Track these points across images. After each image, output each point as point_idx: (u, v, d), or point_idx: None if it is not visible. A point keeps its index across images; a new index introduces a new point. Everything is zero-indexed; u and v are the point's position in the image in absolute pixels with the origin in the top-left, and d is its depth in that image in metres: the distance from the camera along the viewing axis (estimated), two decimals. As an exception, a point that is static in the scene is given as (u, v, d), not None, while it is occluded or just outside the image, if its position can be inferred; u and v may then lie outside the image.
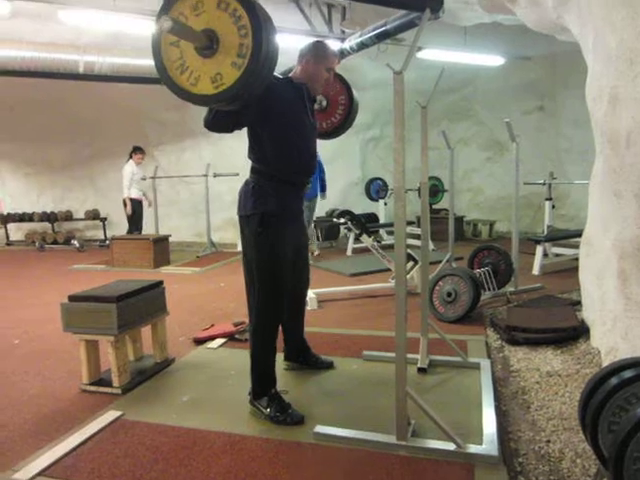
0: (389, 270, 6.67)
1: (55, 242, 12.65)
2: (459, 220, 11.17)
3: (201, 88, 2.88)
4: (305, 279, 4.05)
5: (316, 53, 3.66)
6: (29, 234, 13.07)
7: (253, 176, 3.52)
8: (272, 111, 3.37)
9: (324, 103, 4.28)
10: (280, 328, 3.70)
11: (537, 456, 2.90)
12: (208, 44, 2.83)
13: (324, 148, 10.56)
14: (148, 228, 10.90)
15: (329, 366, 4.23)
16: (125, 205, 10.51)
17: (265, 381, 3.51)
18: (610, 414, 2.54)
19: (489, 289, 6.11)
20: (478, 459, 2.83)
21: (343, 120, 4.42)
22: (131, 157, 10.59)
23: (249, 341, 3.60)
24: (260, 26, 2.74)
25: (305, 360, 4.20)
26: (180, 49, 2.92)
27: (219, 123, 3.29)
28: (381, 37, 6.97)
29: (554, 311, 5.31)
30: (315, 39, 4.13)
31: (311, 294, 5.88)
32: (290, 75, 3.71)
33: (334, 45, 7.72)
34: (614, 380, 2.60)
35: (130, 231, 10.60)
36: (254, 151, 3.51)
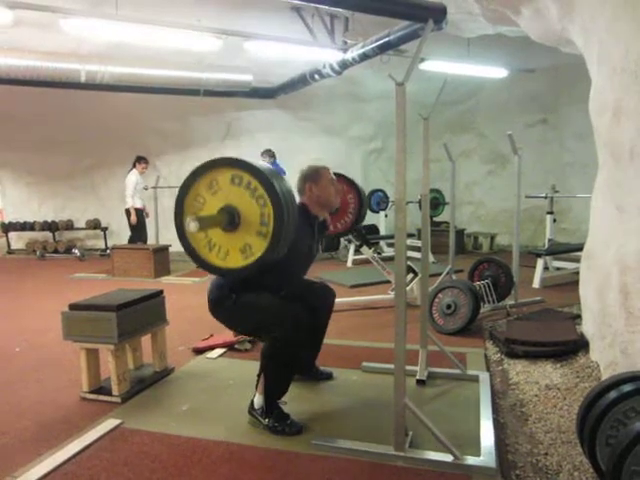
0: (389, 282, 6.66)
1: (56, 251, 12.68)
2: (460, 233, 11.17)
3: (232, 261, 2.98)
4: (324, 299, 4.10)
5: (311, 177, 3.73)
6: (30, 243, 13.09)
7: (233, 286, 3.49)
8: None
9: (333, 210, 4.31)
10: None
11: (534, 469, 2.89)
12: (230, 220, 2.91)
13: (326, 159, 10.61)
14: (149, 238, 10.89)
15: (329, 377, 4.22)
16: (129, 215, 10.50)
17: (279, 397, 3.47)
18: (608, 428, 2.55)
19: (489, 302, 6.11)
20: (476, 471, 2.83)
21: (355, 217, 4.58)
22: (135, 166, 10.59)
23: (263, 359, 3.45)
24: (277, 195, 2.83)
25: (306, 372, 4.18)
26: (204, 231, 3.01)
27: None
28: (383, 48, 6.99)
29: (554, 325, 5.31)
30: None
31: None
32: (303, 202, 3.75)
33: (336, 55, 7.77)
34: (613, 394, 2.60)
35: (132, 241, 10.58)
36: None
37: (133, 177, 10.49)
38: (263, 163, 3.03)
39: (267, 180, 2.84)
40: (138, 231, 10.66)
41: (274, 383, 3.43)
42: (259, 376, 3.48)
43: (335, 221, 4.46)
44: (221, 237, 2.98)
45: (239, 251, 2.93)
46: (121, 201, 10.75)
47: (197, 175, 3.04)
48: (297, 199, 3.46)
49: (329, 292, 4.13)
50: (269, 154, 9.71)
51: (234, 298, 3.42)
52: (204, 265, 3.09)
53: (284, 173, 9.42)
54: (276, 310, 3.37)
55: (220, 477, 2.85)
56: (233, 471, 2.90)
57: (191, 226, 2.73)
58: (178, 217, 3.06)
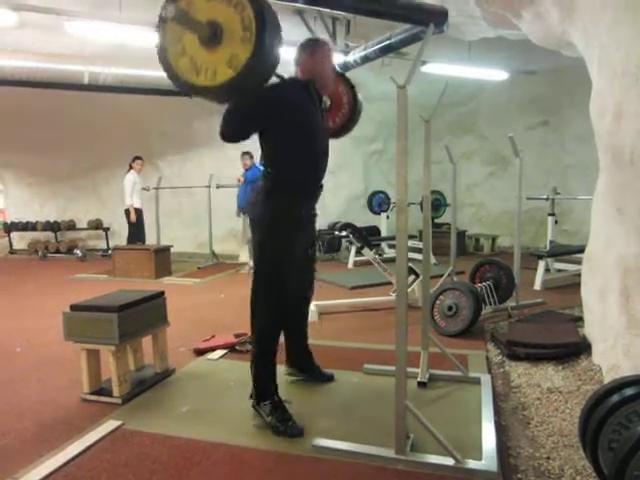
0: (390, 283, 6.66)
1: (58, 251, 12.70)
2: (461, 234, 11.16)
3: (222, 77, 2.87)
4: (309, 283, 4.02)
5: (309, 47, 3.63)
6: (32, 243, 13.12)
7: (264, 181, 3.51)
8: (284, 112, 3.37)
9: (328, 103, 4.21)
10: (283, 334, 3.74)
11: (536, 472, 2.88)
12: (211, 32, 2.84)
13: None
14: (150, 238, 10.90)
15: (330, 379, 4.22)
16: (128, 214, 10.53)
17: (266, 385, 3.51)
18: (611, 431, 2.54)
19: (490, 304, 6.10)
20: (477, 475, 2.82)
21: (347, 120, 4.40)
22: (131, 167, 10.64)
23: (252, 345, 3.59)
24: None
25: (307, 369, 4.19)
26: (188, 55, 2.94)
27: (235, 130, 3.34)
28: (385, 51, 6.99)
29: (555, 327, 5.30)
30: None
31: (312, 306, 5.85)
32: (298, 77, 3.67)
33: (338, 58, 7.77)
34: (615, 397, 2.60)
35: (131, 240, 10.59)
36: (266, 156, 3.52)
37: (131, 177, 10.58)
38: None
39: None
40: (137, 231, 10.68)
41: (260, 368, 3.52)
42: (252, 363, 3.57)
43: (330, 118, 4.35)
44: (206, 56, 2.89)
45: (226, 65, 2.84)
46: (122, 202, 10.76)
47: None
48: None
49: (310, 272, 4.03)
50: (249, 155, 9.70)
51: (266, 237, 3.45)
52: (196, 90, 2.99)
53: None
54: (273, 292, 3.46)
55: (220, 479, 2.85)
56: (233, 473, 2.90)
57: (168, 9, 2.72)
58: (161, 52, 2.98)
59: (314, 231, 3.98)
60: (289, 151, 3.44)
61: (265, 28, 2.75)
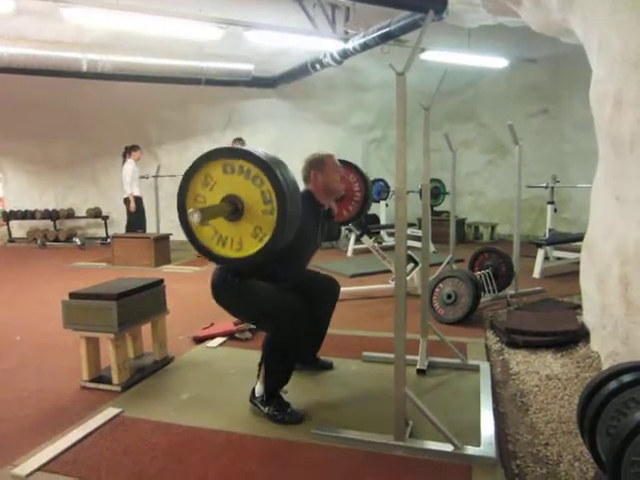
0: (389, 271, 6.67)
1: (57, 240, 12.68)
2: (460, 222, 11.16)
3: (248, 248, 2.93)
4: (328, 290, 4.08)
5: (316, 166, 3.76)
6: (31, 231, 13.09)
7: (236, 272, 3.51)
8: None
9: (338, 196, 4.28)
10: None
11: (535, 459, 2.90)
12: (234, 208, 2.89)
13: (327, 148, 10.56)
14: (149, 227, 10.88)
15: (329, 367, 4.23)
16: (128, 203, 10.52)
17: (277, 388, 3.48)
18: (608, 418, 2.55)
19: (489, 292, 6.11)
20: (476, 461, 2.83)
21: (362, 205, 4.58)
22: (127, 156, 10.61)
23: (264, 349, 3.48)
24: (269, 167, 2.82)
25: (305, 360, 4.18)
26: (212, 226, 2.98)
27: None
28: (384, 38, 6.98)
29: (554, 314, 5.31)
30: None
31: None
32: (309, 189, 3.77)
33: (337, 45, 7.75)
34: (613, 384, 2.60)
35: (131, 229, 10.58)
36: None
37: (129, 166, 10.54)
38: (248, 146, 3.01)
39: (257, 158, 2.83)
40: (138, 219, 10.67)
41: (274, 373, 3.44)
42: (260, 365, 3.49)
43: (341, 208, 4.44)
44: (230, 229, 2.96)
45: (251, 236, 2.91)
46: (121, 191, 10.74)
47: (189, 176, 3.00)
48: (302, 187, 3.52)
49: (334, 284, 4.11)
50: (240, 142, 9.64)
51: (237, 282, 3.43)
52: (223, 261, 3.09)
53: None
54: (277, 300, 3.37)
55: (219, 466, 2.86)
56: (232, 460, 2.91)
57: (194, 217, 2.70)
58: (183, 222, 3.03)
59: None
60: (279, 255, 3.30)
61: (286, 202, 2.81)
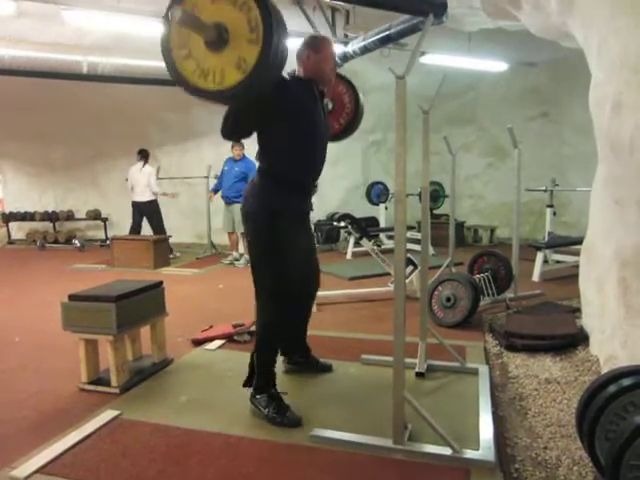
0: (388, 274, 6.66)
1: (56, 241, 12.70)
2: (460, 225, 11.15)
3: (230, 80, 2.84)
4: (313, 280, 3.99)
5: (312, 45, 3.62)
6: (30, 233, 13.11)
7: (260, 176, 3.52)
8: (286, 110, 3.35)
9: (330, 105, 4.20)
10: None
11: (534, 462, 2.90)
12: (219, 35, 2.81)
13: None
14: (148, 228, 10.86)
15: (328, 369, 4.23)
16: (153, 205, 10.45)
17: (267, 380, 3.52)
18: (607, 422, 2.54)
19: (488, 295, 6.11)
20: (474, 464, 2.83)
21: (350, 121, 4.40)
22: (147, 160, 10.51)
23: (256, 336, 3.59)
24: None
25: (304, 362, 4.19)
26: (194, 59, 2.91)
27: (236, 128, 3.33)
28: (384, 41, 6.97)
29: (553, 318, 5.31)
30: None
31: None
32: (298, 73, 3.67)
33: (337, 48, 7.74)
34: (612, 388, 2.60)
35: (160, 231, 10.46)
36: (265, 152, 3.51)
37: (149, 169, 10.42)
38: None
39: None
40: (161, 221, 10.62)
41: (263, 363, 3.53)
42: (252, 356, 3.59)
43: (332, 121, 4.35)
44: (212, 59, 2.87)
45: (234, 67, 2.82)
46: (120, 193, 10.69)
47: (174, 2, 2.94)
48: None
49: (317, 274, 4.04)
50: (241, 146, 9.59)
51: (262, 229, 3.44)
52: (204, 94, 2.95)
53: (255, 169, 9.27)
54: (274, 285, 3.44)
55: (217, 469, 2.86)
56: (231, 462, 2.91)
57: (177, 13, 2.71)
58: (167, 56, 2.97)
59: (310, 225, 3.97)
60: (289, 149, 3.43)
61: (272, 29, 2.73)
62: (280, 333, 3.62)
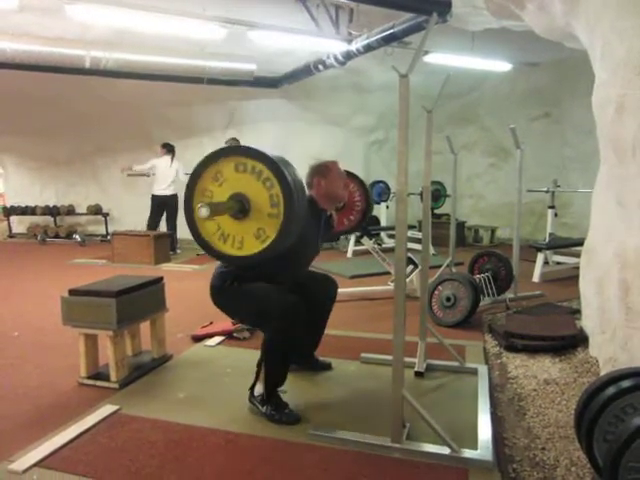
0: (389, 273, 6.67)
1: (57, 236, 12.70)
2: (461, 225, 11.15)
3: (248, 248, 2.97)
4: (326, 290, 4.06)
5: (319, 172, 3.77)
6: (31, 227, 13.12)
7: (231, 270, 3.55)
8: None
9: (340, 204, 4.27)
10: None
11: (532, 463, 2.90)
12: (241, 207, 2.93)
13: (328, 149, 10.56)
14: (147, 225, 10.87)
15: (327, 368, 4.23)
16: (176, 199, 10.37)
17: (275, 385, 3.49)
18: (606, 423, 2.55)
19: (489, 295, 6.11)
20: (472, 464, 2.83)
21: (362, 216, 4.60)
22: (174, 153, 10.48)
23: (264, 349, 3.48)
24: (281, 172, 2.85)
25: (304, 361, 4.18)
26: (216, 221, 3.02)
27: None
28: (388, 40, 6.97)
29: (553, 319, 5.31)
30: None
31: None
32: (311, 195, 3.77)
33: (340, 46, 7.74)
34: (611, 389, 2.60)
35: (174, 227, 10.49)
36: None
37: (178, 163, 10.44)
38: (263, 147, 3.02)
39: (271, 161, 2.87)
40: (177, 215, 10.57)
41: (274, 374, 3.45)
42: (259, 365, 3.50)
43: (342, 217, 4.46)
44: (233, 226, 2.99)
45: (253, 237, 2.94)
46: (121, 188, 10.68)
47: (200, 171, 3.04)
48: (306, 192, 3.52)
49: (331, 283, 4.12)
50: (235, 142, 9.55)
51: (235, 286, 3.46)
52: (221, 257, 3.14)
53: None
54: (276, 301, 3.37)
55: (215, 465, 2.86)
56: (228, 459, 2.91)
57: (202, 211, 2.73)
58: (188, 214, 3.06)
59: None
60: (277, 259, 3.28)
61: (293, 208, 2.84)
62: (295, 341, 3.51)
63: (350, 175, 4.43)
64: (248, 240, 2.96)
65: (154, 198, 10.38)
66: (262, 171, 2.89)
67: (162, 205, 10.38)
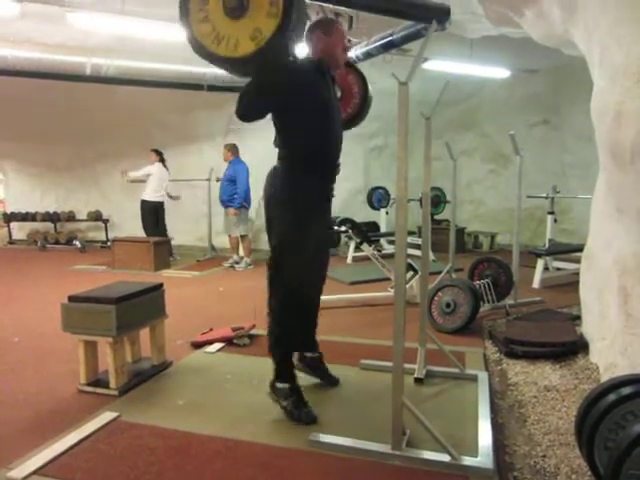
0: (389, 279, 6.66)
1: (57, 242, 12.70)
2: (460, 231, 11.14)
3: (243, 50, 2.85)
4: (323, 274, 3.93)
5: (322, 27, 3.64)
6: (31, 234, 13.11)
7: (281, 164, 3.51)
8: (301, 92, 3.35)
9: (339, 93, 4.13)
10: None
11: (532, 471, 2.89)
12: (238, 2, 2.80)
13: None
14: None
15: (334, 383, 4.09)
16: (171, 197, 10.55)
17: (286, 366, 3.52)
18: (607, 431, 2.54)
19: (488, 301, 6.10)
20: (472, 471, 2.82)
21: (359, 110, 4.39)
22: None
23: (271, 320, 3.53)
24: None
25: (314, 367, 4.08)
26: (211, 22, 2.90)
27: (251, 108, 3.32)
28: (387, 47, 6.98)
29: (553, 325, 5.31)
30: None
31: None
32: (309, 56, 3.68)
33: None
34: (612, 396, 2.60)
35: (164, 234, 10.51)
36: (281, 136, 3.53)
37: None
38: None
39: None
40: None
41: (287, 332, 3.52)
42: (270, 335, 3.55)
43: (344, 105, 4.32)
44: (229, 26, 2.87)
45: (249, 38, 2.83)
46: (122, 194, 10.69)
47: None
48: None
49: (325, 263, 3.95)
50: (234, 148, 9.55)
51: (290, 217, 3.43)
52: (215, 59, 2.98)
53: (247, 172, 9.40)
54: (299, 266, 3.43)
55: (215, 472, 2.86)
56: (228, 467, 2.91)
57: None
58: (184, 16, 2.95)
59: (330, 214, 3.95)
60: (307, 131, 3.43)
61: (293, 6, 2.73)
62: (296, 330, 3.58)
63: (348, 65, 4.28)
64: (243, 41, 2.85)
65: (148, 203, 10.36)
66: None
67: (155, 210, 10.40)
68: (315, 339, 4.11)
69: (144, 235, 10.19)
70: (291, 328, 3.53)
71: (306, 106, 3.40)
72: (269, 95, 3.31)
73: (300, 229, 3.42)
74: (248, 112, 3.33)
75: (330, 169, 3.65)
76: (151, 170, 10.32)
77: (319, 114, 3.46)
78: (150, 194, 10.29)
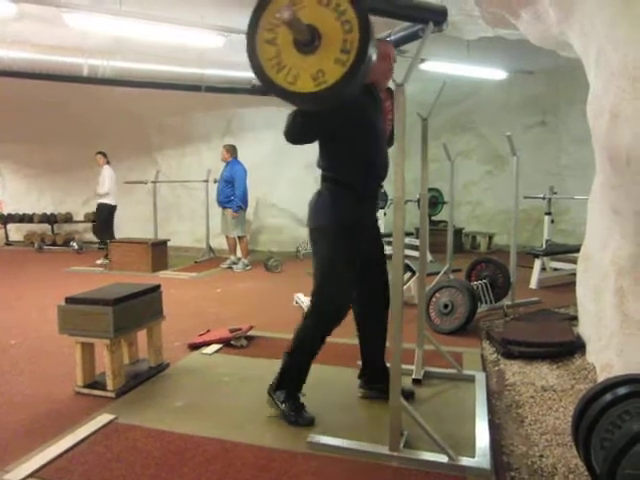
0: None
1: (54, 244, 12.70)
2: (458, 232, 11.16)
3: (301, 86, 2.73)
4: (381, 294, 3.69)
5: (380, 48, 3.41)
6: (28, 235, 13.11)
7: (327, 185, 3.44)
8: (351, 118, 3.29)
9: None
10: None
11: (530, 470, 2.89)
12: (309, 39, 2.69)
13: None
14: (148, 232, 10.83)
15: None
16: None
17: (292, 380, 3.51)
18: (603, 430, 2.54)
19: (486, 302, 6.11)
20: (470, 472, 2.82)
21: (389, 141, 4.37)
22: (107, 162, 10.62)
23: (295, 335, 3.52)
24: (366, 20, 2.65)
25: (379, 388, 3.72)
26: (277, 47, 2.78)
27: (303, 132, 3.26)
28: (385, 48, 6.97)
29: (550, 325, 5.31)
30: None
31: (307, 302, 5.86)
32: None
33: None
34: (608, 396, 2.60)
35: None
36: (328, 159, 3.44)
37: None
38: None
39: (361, 8, 2.64)
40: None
41: (295, 367, 3.51)
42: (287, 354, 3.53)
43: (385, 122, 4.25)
44: (293, 58, 2.74)
45: (310, 77, 2.70)
46: (119, 196, 10.69)
47: None
48: None
49: (381, 282, 3.76)
50: (233, 149, 9.56)
51: (333, 242, 3.38)
52: (270, 85, 2.83)
53: (245, 173, 9.42)
54: (335, 283, 3.42)
55: (213, 474, 2.85)
56: (226, 468, 2.90)
57: (285, 13, 2.50)
58: (251, 31, 2.80)
59: (379, 233, 3.85)
60: (356, 156, 3.36)
61: (363, 60, 2.63)
62: (321, 339, 3.56)
63: (389, 92, 4.21)
64: (304, 78, 2.71)
65: (109, 207, 10.55)
66: (345, 11, 2.65)
67: (111, 214, 10.63)
68: (384, 363, 3.85)
69: (97, 240, 10.42)
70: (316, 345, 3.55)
71: (358, 130, 3.34)
72: (324, 121, 3.26)
73: (344, 266, 3.39)
74: (300, 136, 3.28)
75: (375, 191, 3.60)
76: (108, 174, 10.50)
77: (369, 138, 3.41)
78: (109, 198, 10.48)
